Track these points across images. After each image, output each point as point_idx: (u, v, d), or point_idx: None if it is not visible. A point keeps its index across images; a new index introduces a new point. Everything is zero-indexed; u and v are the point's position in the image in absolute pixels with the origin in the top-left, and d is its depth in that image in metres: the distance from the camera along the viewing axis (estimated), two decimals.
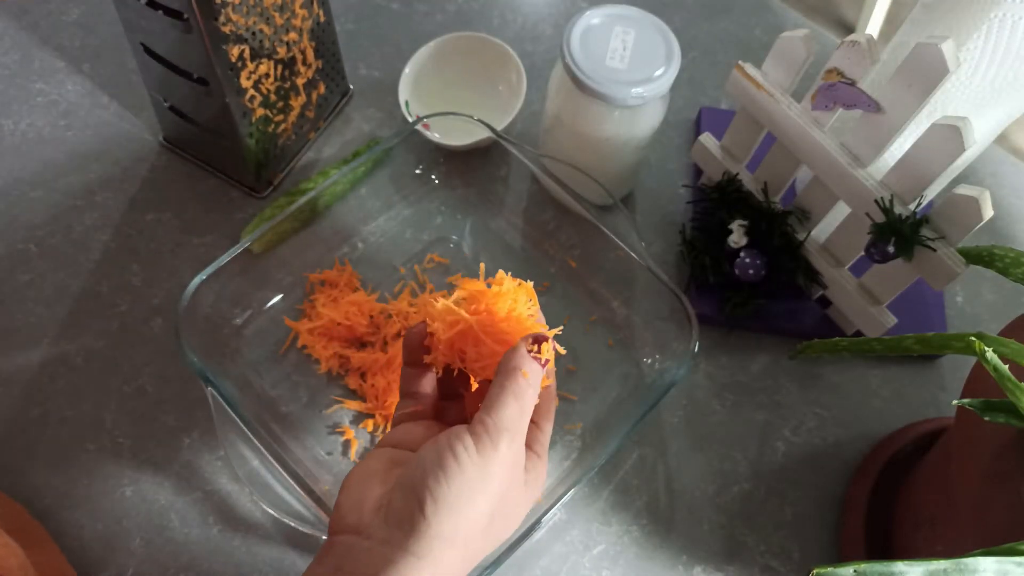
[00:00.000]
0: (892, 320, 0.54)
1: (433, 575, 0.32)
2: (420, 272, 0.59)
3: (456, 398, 0.42)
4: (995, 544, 0.32)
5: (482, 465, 0.33)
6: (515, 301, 0.39)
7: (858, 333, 0.57)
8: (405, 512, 0.33)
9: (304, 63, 0.59)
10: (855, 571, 0.30)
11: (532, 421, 0.38)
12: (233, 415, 0.46)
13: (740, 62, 0.53)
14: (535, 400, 0.36)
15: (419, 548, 0.32)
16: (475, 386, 0.42)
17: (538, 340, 0.36)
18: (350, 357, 0.54)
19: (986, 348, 0.35)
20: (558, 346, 0.38)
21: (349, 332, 0.55)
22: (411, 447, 0.36)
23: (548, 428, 0.39)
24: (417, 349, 0.40)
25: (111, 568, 0.49)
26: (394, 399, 0.53)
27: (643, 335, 0.56)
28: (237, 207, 0.61)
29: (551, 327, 0.57)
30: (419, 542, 0.32)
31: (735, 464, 0.55)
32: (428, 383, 0.41)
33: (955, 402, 0.37)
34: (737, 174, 0.58)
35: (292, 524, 0.46)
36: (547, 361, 0.36)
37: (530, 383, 0.35)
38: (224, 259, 0.50)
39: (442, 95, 0.66)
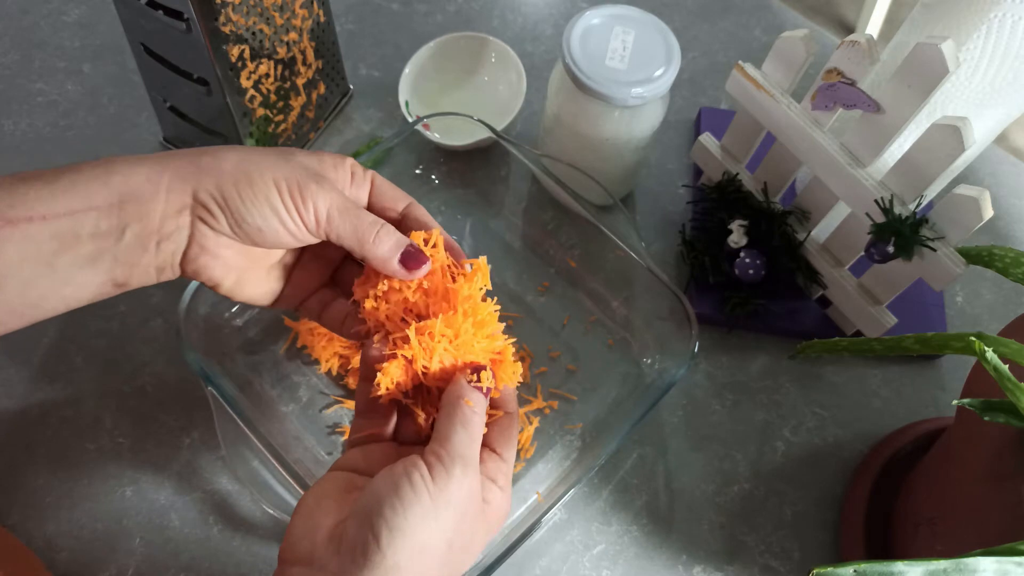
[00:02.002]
0: (892, 320, 0.54)
1: None
2: None
3: (411, 415, 0.42)
4: (995, 544, 0.32)
5: (437, 493, 0.33)
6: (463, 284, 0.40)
7: (858, 333, 0.57)
8: (359, 541, 0.31)
9: (304, 63, 0.59)
10: (855, 571, 0.30)
11: (492, 450, 0.38)
12: (233, 415, 0.46)
13: (740, 62, 0.53)
14: (482, 427, 0.36)
15: None
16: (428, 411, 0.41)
17: (477, 370, 0.37)
18: (350, 357, 0.54)
19: (986, 348, 0.35)
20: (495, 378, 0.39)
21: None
22: (368, 471, 0.36)
23: (510, 458, 0.38)
24: (377, 364, 0.39)
25: (111, 568, 0.49)
26: None
27: (643, 335, 0.56)
28: None
29: (551, 327, 0.57)
30: (373, 573, 0.31)
31: (735, 464, 0.55)
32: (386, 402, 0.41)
33: (955, 402, 0.37)
34: (737, 174, 0.58)
35: None
36: (489, 389, 0.37)
37: (475, 411, 0.36)
38: None
39: (442, 95, 0.66)
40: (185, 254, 0.36)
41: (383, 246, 0.38)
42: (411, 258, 0.38)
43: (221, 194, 0.35)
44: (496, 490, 0.37)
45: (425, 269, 0.39)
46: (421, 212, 0.42)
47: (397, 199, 0.41)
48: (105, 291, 0.35)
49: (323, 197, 0.36)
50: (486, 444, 0.38)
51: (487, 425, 0.38)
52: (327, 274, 0.44)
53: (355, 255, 0.39)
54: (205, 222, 0.35)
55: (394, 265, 0.38)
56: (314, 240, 0.38)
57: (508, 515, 0.38)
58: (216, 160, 0.35)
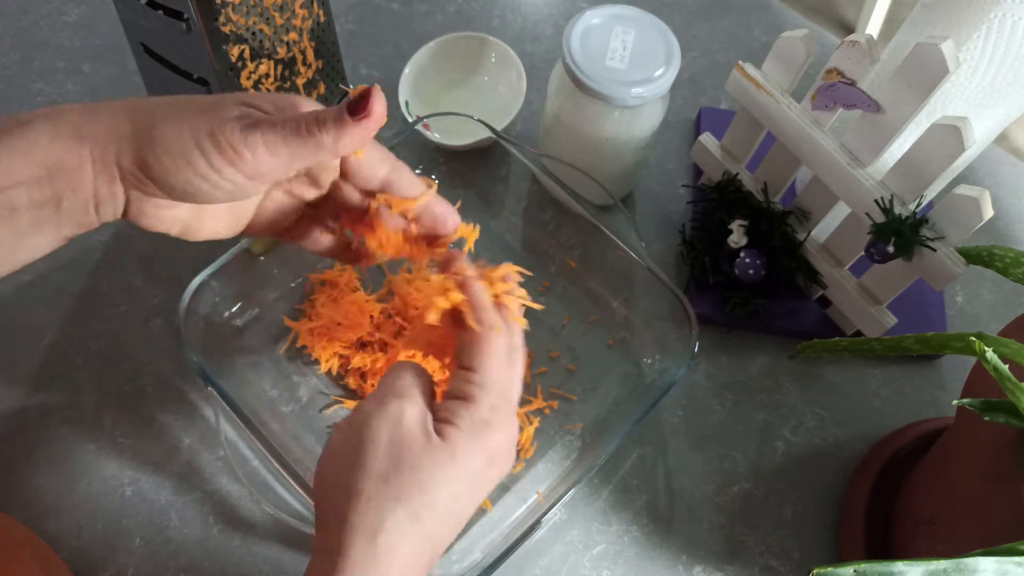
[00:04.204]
0: (892, 320, 0.54)
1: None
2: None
3: None
4: (995, 544, 0.32)
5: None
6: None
7: (858, 333, 0.57)
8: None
9: (304, 63, 0.59)
10: (855, 571, 0.30)
11: (464, 368, 0.36)
12: (233, 415, 0.46)
13: (740, 62, 0.53)
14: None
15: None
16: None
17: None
18: (350, 357, 0.54)
19: (986, 348, 0.35)
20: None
21: (349, 332, 0.55)
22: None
23: (481, 364, 0.35)
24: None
25: (111, 568, 0.49)
26: None
27: (643, 335, 0.56)
28: None
29: (551, 327, 0.57)
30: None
31: (735, 464, 0.55)
32: None
33: (955, 402, 0.37)
34: (737, 174, 0.58)
35: (292, 524, 0.46)
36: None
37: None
38: (224, 259, 0.50)
39: (442, 95, 0.66)
40: (126, 212, 0.34)
41: (328, 136, 0.33)
42: (355, 110, 0.34)
43: (143, 162, 0.32)
44: (462, 405, 0.35)
45: (377, 111, 0.35)
46: (406, 180, 0.38)
47: (375, 165, 0.37)
48: (57, 245, 0.34)
49: (256, 138, 0.32)
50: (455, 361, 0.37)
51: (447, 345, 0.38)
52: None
53: (313, 176, 0.36)
54: (137, 188, 0.33)
55: (348, 140, 0.34)
56: (264, 187, 0.35)
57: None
58: (134, 122, 0.32)
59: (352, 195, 0.39)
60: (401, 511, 0.32)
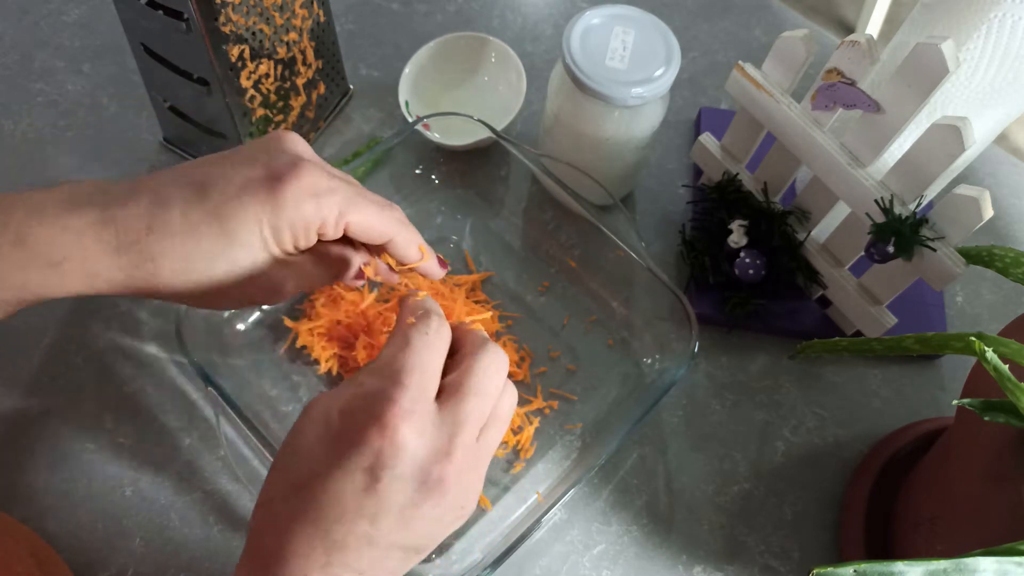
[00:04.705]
0: (892, 320, 0.54)
1: None
2: None
3: None
4: (995, 544, 0.32)
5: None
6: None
7: (858, 333, 0.57)
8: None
9: (304, 63, 0.59)
10: (855, 571, 0.30)
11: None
12: (233, 415, 0.46)
13: (740, 62, 0.53)
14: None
15: None
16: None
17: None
18: (349, 357, 0.54)
19: (986, 348, 0.35)
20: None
21: (349, 332, 0.55)
22: None
23: (412, 345, 0.35)
24: None
25: (111, 568, 0.49)
26: None
27: (643, 335, 0.56)
28: None
29: (551, 327, 0.57)
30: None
31: (735, 464, 0.55)
32: None
33: (955, 402, 0.37)
34: (737, 174, 0.58)
35: None
36: None
37: None
38: None
39: (442, 95, 0.66)
40: None
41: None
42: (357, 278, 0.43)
43: (162, 297, 0.37)
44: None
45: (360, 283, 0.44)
46: (402, 248, 0.41)
47: (373, 240, 0.40)
48: None
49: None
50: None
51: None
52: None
53: None
54: None
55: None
56: None
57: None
58: (155, 276, 0.36)
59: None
60: (276, 478, 0.34)
